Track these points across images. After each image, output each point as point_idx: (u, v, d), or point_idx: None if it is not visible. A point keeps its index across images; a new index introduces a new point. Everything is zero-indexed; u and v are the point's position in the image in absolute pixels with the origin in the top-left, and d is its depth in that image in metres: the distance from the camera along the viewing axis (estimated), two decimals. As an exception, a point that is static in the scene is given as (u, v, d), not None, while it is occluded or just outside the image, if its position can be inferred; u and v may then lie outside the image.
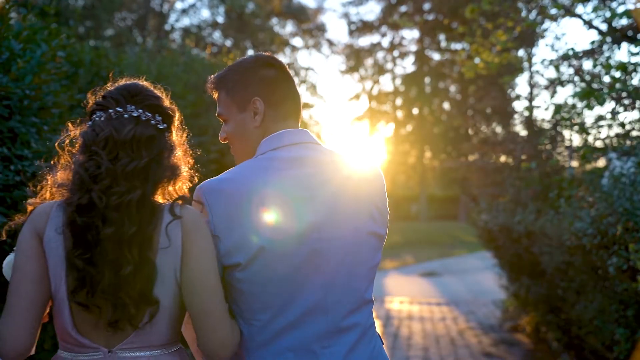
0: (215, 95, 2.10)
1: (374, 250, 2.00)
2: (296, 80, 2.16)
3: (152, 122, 1.82)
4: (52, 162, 1.92)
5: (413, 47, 48.40)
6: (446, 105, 46.88)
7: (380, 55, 49.75)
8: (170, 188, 1.90)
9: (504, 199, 8.81)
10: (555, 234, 5.89)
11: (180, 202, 1.84)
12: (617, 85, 5.76)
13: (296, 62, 49.16)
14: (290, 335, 1.87)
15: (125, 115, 1.79)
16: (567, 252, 5.70)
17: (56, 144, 1.92)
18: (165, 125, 1.86)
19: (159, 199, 1.86)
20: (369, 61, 50.36)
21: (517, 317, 9.86)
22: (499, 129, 17.05)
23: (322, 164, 1.96)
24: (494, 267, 10.08)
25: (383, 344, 2.08)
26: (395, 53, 49.02)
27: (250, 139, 2.01)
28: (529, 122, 9.74)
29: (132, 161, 1.74)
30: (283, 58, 49.83)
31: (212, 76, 2.11)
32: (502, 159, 10.42)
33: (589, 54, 7.27)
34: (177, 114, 1.97)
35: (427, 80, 47.12)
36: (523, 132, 10.47)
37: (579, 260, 5.49)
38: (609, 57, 7.13)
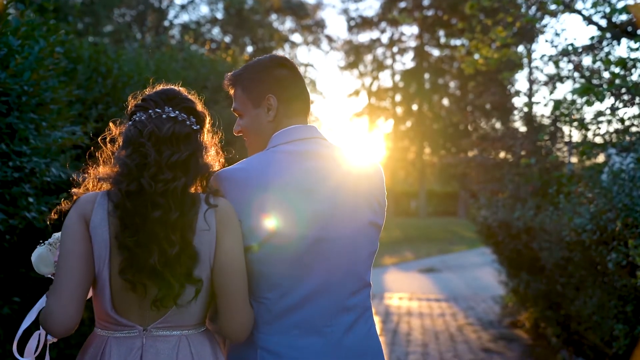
0: (232, 92, 2.26)
1: (373, 238, 2.17)
2: None
3: (188, 122, 2.00)
4: (96, 154, 2.10)
5: (412, 43, 48.35)
6: (445, 102, 46.84)
7: (379, 51, 49.71)
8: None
9: (504, 195, 8.81)
10: (555, 229, 5.89)
11: (214, 194, 2.02)
12: (617, 81, 5.76)
13: (295, 58, 49.13)
14: (297, 314, 2.03)
15: (164, 116, 1.97)
16: (566, 248, 5.70)
17: (99, 139, 2.10)
18: (198, 126, 2.04)
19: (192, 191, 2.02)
20: (368, 57, 50.31)
21: (516, 312, 9.88)
22: (498, 125, 17.03)
23: (328, 158, 2.12)
24: (493, 263, 10.09)
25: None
26: (395, 49, 48.98)
27: (263, 132, 2.18)
28: (529, 118, 9.72)
29: (174, 154, 1.92)
30: (282, 54, 49.90)
31: (229, 74, 2.26)
32: (502, 155, 10.41)
33: (588, 49, 7.25)
34: (208, 118, 2.13)
35: (426, 76, 47.09)
36: (522, 128, 10.45)
37: (578, 256, 5.48)
38: (608, 53, 7.11)
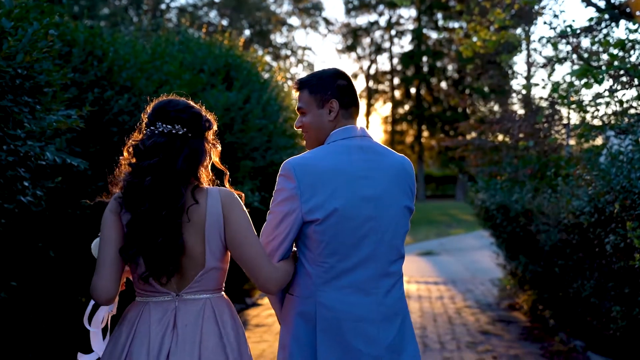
0: (297, 94, 2.78)
1: (407, 219, 2.72)
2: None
3: (173, 131, 2.47)
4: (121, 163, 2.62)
5: (410, 26, 48.20)
6: (444, 84, 46.75)
7: (377, 34, 49.57)
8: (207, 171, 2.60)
9: (502, 178, 8.80)
10: (553, 212, 5.89)
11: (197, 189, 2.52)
12: (615, 63, 5.73)
13: (293, 41, 48.94)
14: (349, 276, 2.56)
15: (156, 131, 2.48)
16: (564, 231, 5.70)
17: (125, 148, 2.60)
18: (185, 129, 2.49)
19: (204, 181, 2.56)
20: (366, 40, 50.16)
21: (514, 295, 9.90)
22: (496, 108, 16.99)
23: (377, 152, 2.68)
24: (491, 245, 10.09)
25: None
26: (393, 32, 48.82)
27: (323, 129, 2.72)
28: (527, 100, 9.69)
29: (148, 160, 2.44)
30: (280, 38, 49.45)
31: (297, 79, 2.80)
32: (500, 137, 10.39)
33: (587, 31, 7.21)
34: (202, 115, 2.57)
35: (424, 59, 46.97)
36: (521, 111, 10.42)
37: (576, 238, 5.49)
38: (607, 35, 7.07)
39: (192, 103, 2.58)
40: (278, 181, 2.59)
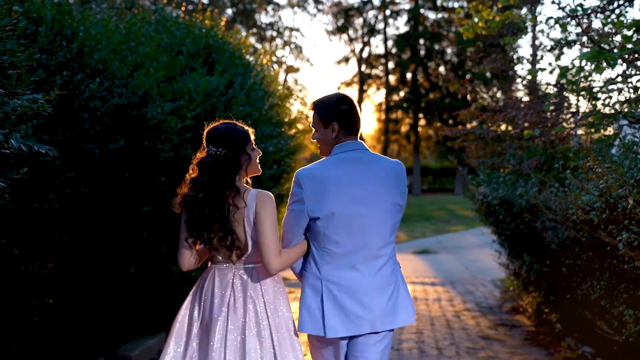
0: (312, 113, 3.78)
1: (395, 213, 3.66)
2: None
3: (214, 153, 3.58)
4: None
5: (406, 5, 48.18)
6: (442, 69, 46.77)
7: (370, 14, 49.56)
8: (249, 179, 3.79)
9: (505, 171, 8.81)
10: (560, 207, 5.89)
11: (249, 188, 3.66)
12: (629, 46, 5.72)
13: (279, 22, 48.79)
14: (345, 259, 3.56)
15: (209, 152, 3.60)
16: (572, 228, 5.71)
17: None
18: (225, 150, 3.57)
19: (244, 183, 3.70)
20: (358, 21, 50.12)
21: (518, 297, 9.94)
22: (499, 95, 17.01)
23: (370, 162, 3.63)
24: (493, 243, 10.13)
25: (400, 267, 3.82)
26: (387, 12, 48.79)
27: (328, 144, 3.71)
28: (532, 86, 9.68)
29: (202, 177, 3.57)
30: (265, 17, 49.14)
31: (313, 101, 3.79)
32: (503, 127, 10.39)
33: (598, 11, 7.21)
34: (239, 136, 3.64)
35: (421, 41, 46.96)
36: (526, 98, 10.41)
37: (585, 236, 5.49)
38: (620, 15, 7.07)
39: (235, 125, 3.64)
40: (292, 186, 3.59)
